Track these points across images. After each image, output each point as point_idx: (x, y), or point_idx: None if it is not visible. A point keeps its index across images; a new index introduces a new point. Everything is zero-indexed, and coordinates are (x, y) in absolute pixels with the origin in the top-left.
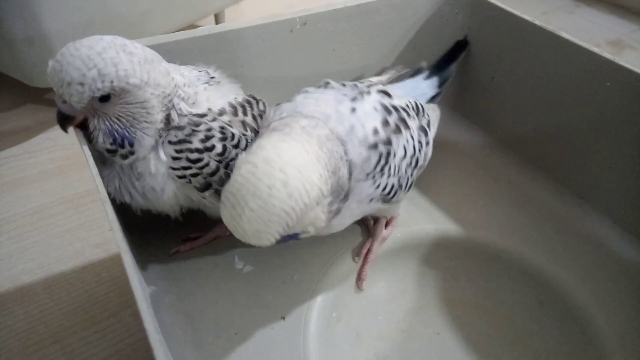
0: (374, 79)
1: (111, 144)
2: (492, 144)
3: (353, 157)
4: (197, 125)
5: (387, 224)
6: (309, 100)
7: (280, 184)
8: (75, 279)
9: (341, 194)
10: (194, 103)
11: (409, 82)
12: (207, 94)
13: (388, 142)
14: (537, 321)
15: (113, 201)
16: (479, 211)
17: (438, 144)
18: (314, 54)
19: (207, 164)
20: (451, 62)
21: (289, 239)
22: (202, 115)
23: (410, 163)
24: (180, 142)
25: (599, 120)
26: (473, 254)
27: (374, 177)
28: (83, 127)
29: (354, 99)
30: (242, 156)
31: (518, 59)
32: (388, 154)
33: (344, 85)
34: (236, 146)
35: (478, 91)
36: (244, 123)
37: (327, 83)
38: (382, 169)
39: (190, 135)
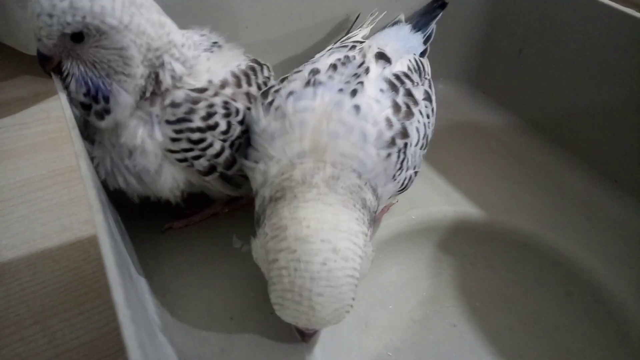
0: (360, 35)
1: (85, 94)
2: (517, 123)
3: (373, 172)
4: (196, 102)
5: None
6: (301, 115)
7: (331, 253)
8: (61, 257)
9: (373, 215)
10: (191, 70)
11: (398, 32)
12: (208, 64)
13: (404, 133)
14: (565, 314)
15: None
16: (502, 194)
17: (458, 122)
18: (325, 18)
19: (210, 145)
20: (432, 19)
21: None
22: (202, 90)
23: (423, 145)
24: (179, 121)
25: (638, 96)
26: (495, 239)
27: (394, 176)
28: (60, 71)
29: (353, 92)
30: (264, 243)
31: (549, 29)
32: (405, 145)
33: (335, 67)
34: (241, 122)
35: (503, 66)
36: (248, 95)
37: (316, 73)
38: (401, 165)
39: (189, 113)
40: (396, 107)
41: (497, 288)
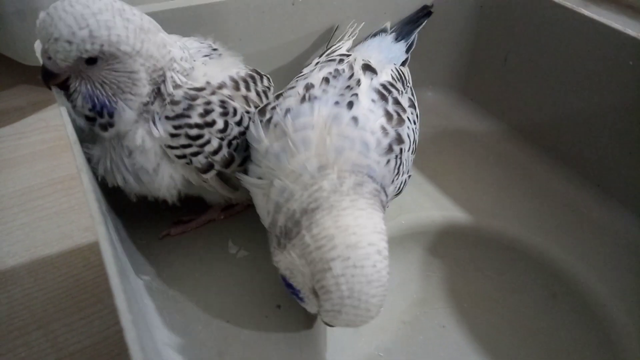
0: (344, 48)
1: (90, 109)
2: (504, 129)
3: (380, 176)
4: (194, 99)
5: None
6: (302, 133)
7: (378, 255)
8: (62, 263)
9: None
10: (188, 75)
11: (381, 43)
12: (205, 69)
13: (399, 139)
14: (550, 316)
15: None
16: (490, 198)
17: (446, 129)
18: (317, 29)
19: (208, 141)
20: (415, 28)
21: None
22: (200, 89)
23: (413, 150)
24: (177, 117)
25: (619, 103)
26: (483, 243)
27: (393, 181)
28: (64, 87)
29: (350, 105)
30: (306, 253)
31: (534, 39)
32: (401, 151)
33: (327, 81)
34: (239, 123)
35: (489, 74)
36: (246, 98)
37: (310, 88)
38: (398, 170)
39: (188, 109)
40: (388, 116)
41: (485, 290)
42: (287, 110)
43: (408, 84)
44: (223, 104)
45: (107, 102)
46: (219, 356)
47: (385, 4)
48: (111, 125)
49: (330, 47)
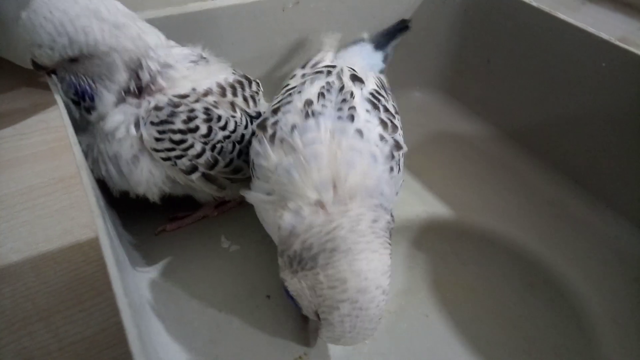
0: (327, 59)
1: (74, 94)
2: (488, 128)
3: (388, 196)
4: (177, 106)
5: None
6: (312, 148)
7: (382, 295)
8: (63, 259)
9: None
10: (166, 68)
11: (362, 50)
12: (192, 75)
13: (398, 146)
14: (527, 304)
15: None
16: (472, 194)
17: (433, 128)
18: (307, 35)
19: (191, 146)
20: (391, 40)
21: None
22: (184, 96)
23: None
24: (162, 122)
25: (594, 103)
26: (464, 236)
27: (397, 192)
28: (53, 73)
29: (351, 118)
30: (318, 288)
31: (514, 42)
32: (400, 157)
33: (322, 96)
34: (223, 128)
35: (473, 75)
36: (232, 104)
37: (310, 105)
38: (397, 174)
39: (171, 115)
40: (384, 124)
41: (466, 281)
42: (294, 127)
43: (388, 92)
44: (207, 110)
45: (87, 89)
46: (212, 343)
47: (369, 13)
48: (93, 108)
49: (312, 59)
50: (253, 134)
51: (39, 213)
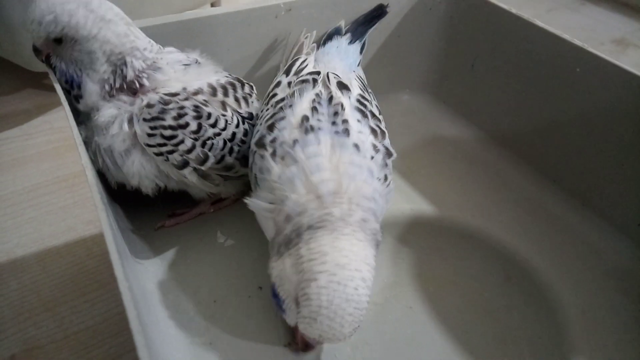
0: (310, 64)
1: (65, 82)
2: (472, 130)
3: (381, 208)
4: (167, 103)
5: None
6: (314, 161)
7: (361, 281)
8: (67, 253)
9: None
10: (153, 66)
11: (339, 47)
12: (183, 77)
13: (389, 153)
14: (504, 296)
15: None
16: (455, 193)
17: (420, 130)
18: (297, 38)
19: (181, 141)
20: (368, 28)
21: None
22: (174, 94)
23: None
24: (153, 119)
25: (569, 107)
26: (447, 232)
27: (388, 200)
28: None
29: (346, 132)
30: (298, 263)
31: (496, 47)
32: (391, 163)
33: (316, 110)
34: (213, 125)
35: (458, 79)
36: (223, 103)
37: (306, 120)
38: (390, 183)
39: (162, 112)
40: (374, 132)
41: (448, 274)
42: (295, 142)
43: (369, 91)
44: (196, 108)
45: (74, 76)
46: (207, 330)
47: (358, 16)
48: (81, 97)
49: (293, 61)
50: (249, 146)
51: (44, 210)
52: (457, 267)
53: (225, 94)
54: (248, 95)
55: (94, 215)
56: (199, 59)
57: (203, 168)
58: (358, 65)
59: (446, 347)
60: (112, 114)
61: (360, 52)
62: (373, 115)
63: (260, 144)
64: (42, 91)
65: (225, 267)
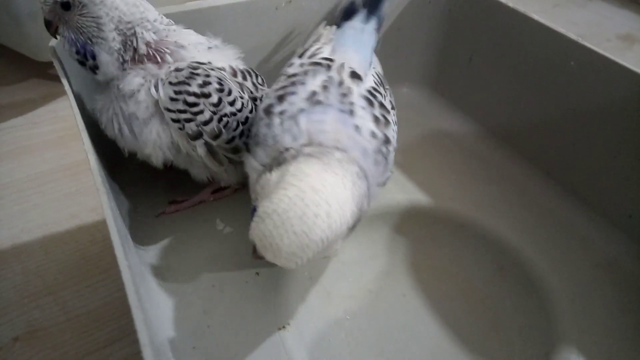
0: (325, 50)
1: (76, 53)
2: (468, 123)
3: (370, 181)
4: (196, 69)
5: None
6: (321, 126)
7: (325, 214)
8: (70, 239)
9: (358, 223)
10: (181, 43)
11: (350, 33)
12: (208, 56)
13: (387, 140)
14: (496, 286)
15: (104, 166)
16: (450, 184)
17: (418, 122)
18: (299, 32)
19: (201, 112)
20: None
21: None
22: (202, 63)
23: (396, 147)
24: (179, 83)
25: (564, 101)
26: (441, 222)
27: (384, 183)
28: (56, 34)
29: (351, 113)
30: (281, 175)
31: (494, 41)
32: (388, 152)
33: (326, 88)
34: (231, 104)
35: (456, 73)
36: (242, 86)
37: (314, 95)
38: (384, 169)
39: (189, 77)
40: (376, 120)
41: (441, 264)
42: (301, 110)
43: (387, 87)
44: (220, 81)
45: (85, 45)
46: (205, 313)
47: None
48: (97, 67)
49: (309, 49)
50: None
51: (48, 197)
52: (451, 257)
53: (244, 77)
54: (261, 85)
55: (97, 203)
56: (219, 45)
57: (214, 144)
58: (377, 45)
59: (438, 334)
60: (139, 82)
61: (377, 29)
62: (382, 105)
63: (268, 112)
64: (47, 81)
65: (223, 253)
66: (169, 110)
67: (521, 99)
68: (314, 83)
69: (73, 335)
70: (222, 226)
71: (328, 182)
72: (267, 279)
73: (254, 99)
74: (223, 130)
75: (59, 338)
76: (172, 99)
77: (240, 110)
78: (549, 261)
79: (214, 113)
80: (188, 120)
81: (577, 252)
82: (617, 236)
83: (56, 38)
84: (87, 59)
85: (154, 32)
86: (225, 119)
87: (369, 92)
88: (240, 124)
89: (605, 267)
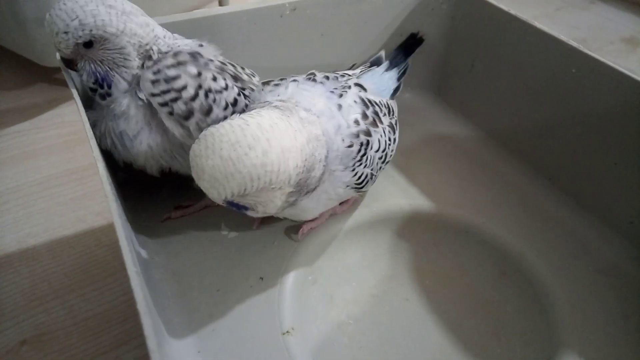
0: (349, 72)
1: (93, 82)
2: (470, 128)
3: (332, 155)
4: (166, 52)
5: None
6: (303, 92)
7: (261, 151)
8: (77, 243)
9: (303, 191)
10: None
11: (373, 75)
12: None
13: (368, 133)
14: (498, 291)
15: (110, 169)
16: (452, 189)
17: (421, 128)
18: (303, 39)
19: (184, 87)
20: (407, 55)
21: (237, 209)
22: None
23: (381, 157)
24: (155, 63)
25: (565, 107)
26: (443, 228)
27: (353, 166)
28: (74, 68)
29: (340, 96)
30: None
31: (496, 47)
32: (367, 143)
33: (327, 78)
34: (214, 79)
35: (459, 78)
36: (222, 69)
37: (314, 75)
38: (360, 159)
39: (162, 58)
40: (364, 115)
41: (444, 268)
42: (294, 80)
43: (394, 116)
44: (193, 54)
45: (107, 76)
46: (210, 317)
47: (361, 19)
48: (109, 95)
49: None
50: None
51: (55, 201)
52: (453, 262)
53: (234, 67)
54: (252, 76)
55: (103, 207)
56: (204, 44)
57: (208, 120)
58: (396, 91)
59: (441, 338)
60: (128, 102)
61: (399, 79)
62: (376, 113)
63: (266, 82)
64: (52, 85)
65: (228, 258)
66: (153, 95)
67: (523, 105)
68: (319, 73)
69: (80, 338)
70: (226, 231)
71: (278, 126)
72: (270, 284)
73: (242, 89)
74: (213, 105)
75: (66, 341)
76: (152, 82)
77: (225, 89)
78: (550, 267)
79: (199, 87)
80: (174, 100)
81: (578, 257)
82: (618, 242)
83: (76, 71)
84: (102, 87)
85: (165, 48)
86: (211, 95)
87: (368, 100)
88: (229, 105)
89: (607, 273)
